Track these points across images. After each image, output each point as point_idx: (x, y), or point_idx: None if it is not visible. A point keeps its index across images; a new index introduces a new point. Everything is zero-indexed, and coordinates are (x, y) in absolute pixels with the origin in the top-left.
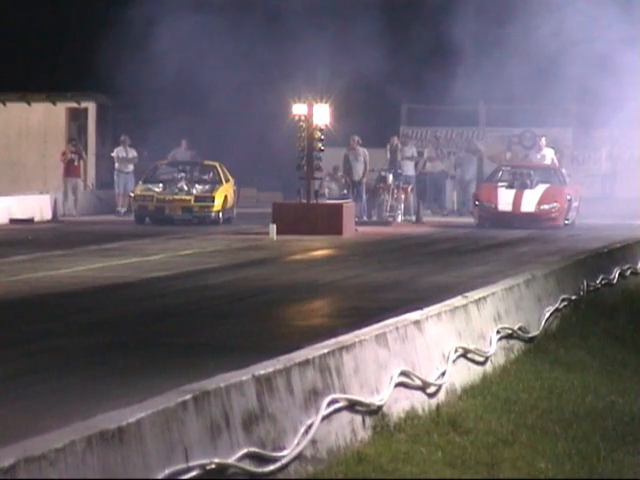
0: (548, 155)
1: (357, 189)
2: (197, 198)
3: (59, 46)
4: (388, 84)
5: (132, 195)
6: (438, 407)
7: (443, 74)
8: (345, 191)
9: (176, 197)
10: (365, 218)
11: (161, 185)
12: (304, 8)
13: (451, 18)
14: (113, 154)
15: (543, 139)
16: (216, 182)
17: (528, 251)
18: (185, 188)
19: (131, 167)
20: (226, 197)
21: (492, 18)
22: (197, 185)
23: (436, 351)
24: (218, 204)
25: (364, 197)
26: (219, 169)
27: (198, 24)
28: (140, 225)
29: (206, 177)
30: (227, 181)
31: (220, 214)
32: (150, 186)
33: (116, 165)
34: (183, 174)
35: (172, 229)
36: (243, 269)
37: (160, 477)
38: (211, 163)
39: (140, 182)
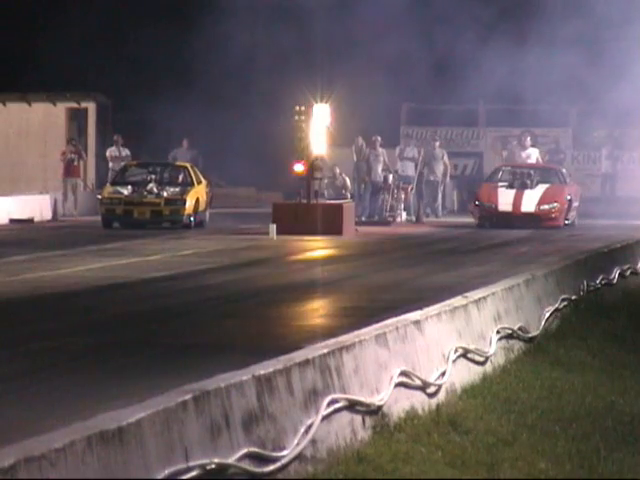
0: (533, 154)
1: (375, 189)
2: (167, 201)
3: (59, 46)
4: (388, 84)
5: (99, 198)
6: (438, 407)
7: (443, 74)
8: (344, 191)
9: (145, 200)
10: (377, 218)
11: (130, 187)
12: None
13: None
14: (107, 154)
15: (528, 138)
16: (187, 184)
17: (528, 251)
18: (155, 190)
19: None
20: (198, 199)
21: (492, 17)
22: (167, 187)
23: (436, 351)
24: (189, 206)
25: (376, 197)
26: (190, 170)
27: (199, 23)
28: (108, 229)
29: (177, 179)
30: (199, 183)
31: (191, 217)
32: (118, 188)
33: (110, 165)
34: (153, 176)
35: (171, 229)
36: (243, 269)
37: (160, 477)
38: (182, 164)
39: (108, 184)
